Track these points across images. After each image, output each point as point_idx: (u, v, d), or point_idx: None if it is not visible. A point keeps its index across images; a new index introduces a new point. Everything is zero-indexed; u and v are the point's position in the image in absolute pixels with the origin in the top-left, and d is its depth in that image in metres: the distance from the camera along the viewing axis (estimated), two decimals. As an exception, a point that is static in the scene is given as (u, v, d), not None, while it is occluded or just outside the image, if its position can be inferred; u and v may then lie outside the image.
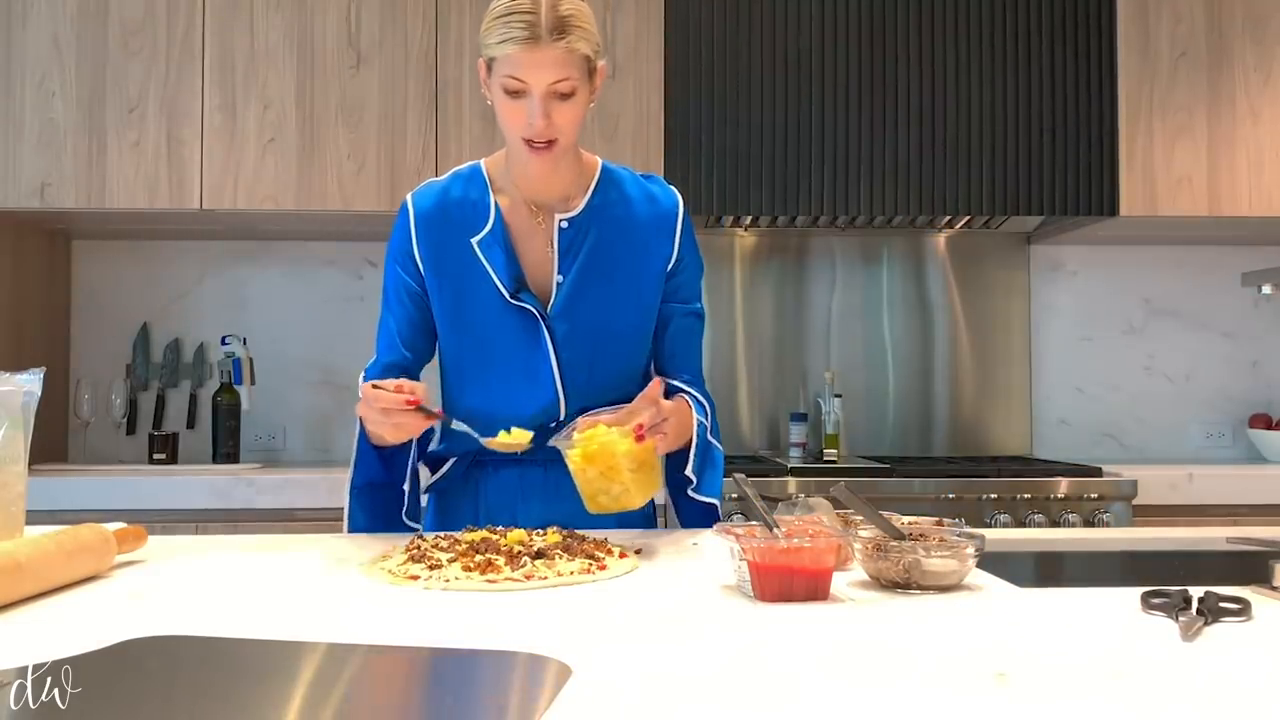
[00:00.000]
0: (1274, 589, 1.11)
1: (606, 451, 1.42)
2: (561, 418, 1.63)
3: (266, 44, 2.91)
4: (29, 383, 1.29)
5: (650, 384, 1.51)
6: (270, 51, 2.91)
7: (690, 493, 1.63)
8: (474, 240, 1.62)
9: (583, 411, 1.62)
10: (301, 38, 2.92)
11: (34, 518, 1.33)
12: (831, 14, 2.95)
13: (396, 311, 1.68)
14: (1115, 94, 2.97)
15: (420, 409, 1.43)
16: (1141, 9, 3.00)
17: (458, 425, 1.48)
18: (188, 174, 2.89)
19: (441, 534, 1.44)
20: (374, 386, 1.45)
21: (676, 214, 1.68)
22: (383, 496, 1.64)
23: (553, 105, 1.50)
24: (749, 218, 3.05)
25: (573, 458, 1.44)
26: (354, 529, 1.64)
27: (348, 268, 3.32)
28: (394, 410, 1.42)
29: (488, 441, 1.48)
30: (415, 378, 1.67)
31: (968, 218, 3.09)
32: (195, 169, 2.89)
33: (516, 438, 1.47)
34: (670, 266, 1.68)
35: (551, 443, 1.50)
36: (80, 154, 2.87)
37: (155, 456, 3.06)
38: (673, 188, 1.72)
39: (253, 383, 3.17)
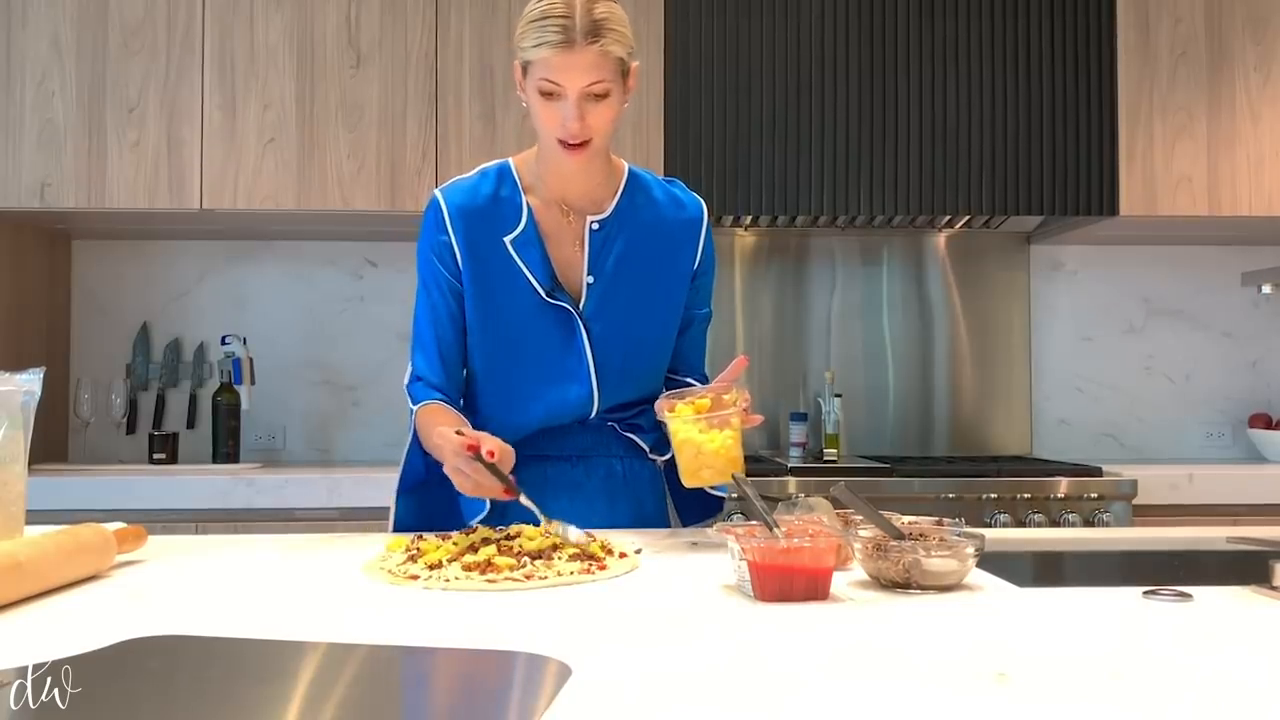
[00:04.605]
0: (1274, 589, 1.11)
1: (719, 427, 1.45)
2: (593, 413, 1.67)
3: (266, 44, 2.91)
4: (29, 383, 1.29)
5: (734, 364, 1.54)
6: (270, 51, 2.91)
7: (706, 488, 1.67)
8: (507, 239, 1.63)
9: (611, 408, 1.67)
10: (301, 38, 2.92)
11: (34, 518, 1.33)
12: (831, 14, 2.95)
13: (440, 309, 1.67)
14: (1115, 94, 2.97)
15: (493, 468, 1.41)
16: (1141, 9, 3.00)
17: (525, 501, 1.44)
18: (188, 174, 2.89)
19: (440, 533, 1.44)
20: (470, 451, 1.43)
21: (702, 220, 1.73)
22: (432, 495, 1.65)
23: (587, 107, 1.52)
24: (749, 218, 3.05)
25: (682, 432, 1.46)
26: (398, 529, 1.67)
27: (348, 268, 3.32)
28: (472, 475, 1.42)
29: (550, 525, 1.46)
30: (458, 359, 1.69)
31: (968, 218, 3.09)
32: (195, 169, 2.89)
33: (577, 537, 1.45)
34: (695, 270, 1.72)
35: (659, 418, 1.52)
36: (80, 154, 2.87)
37: (155, 456, 3.06)
38: (695, 194, 1.75)
39: (253, 383, 3.17)
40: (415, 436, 1.66)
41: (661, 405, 1.50)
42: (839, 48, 2.95)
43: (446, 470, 1.45)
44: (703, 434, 1.46)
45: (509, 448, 1.45)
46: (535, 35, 1.50)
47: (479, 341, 1.68)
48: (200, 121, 2.90)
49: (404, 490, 1.69)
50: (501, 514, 1.60)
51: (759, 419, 1.51)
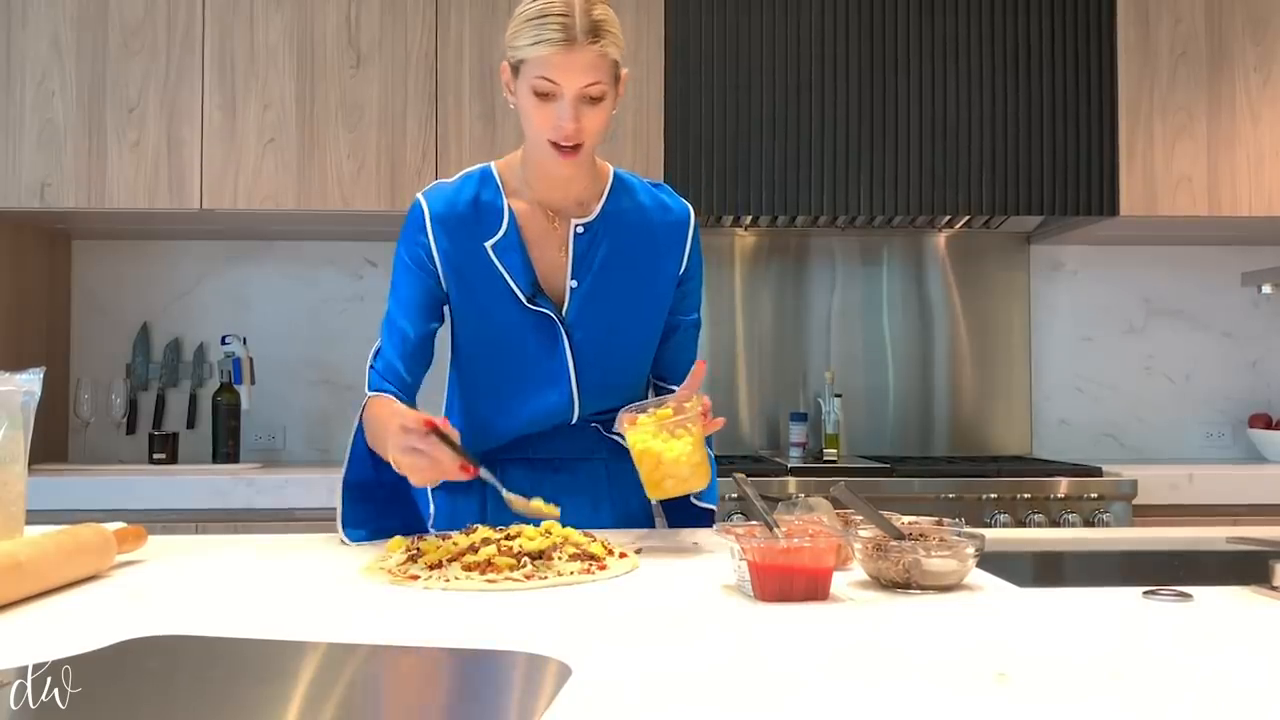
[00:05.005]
0: (1274, 589, 1.11)
1: (675, 437, 1.42)
2: (574, 419, 1.65)
3: (266, 44, 2.91)
4: (29, 383, 1.29)
5: (694, 371, 1.50)
6: (270, 51, 2.91)
7: (693, 499, 1.66)
8: (488, 244, 1.61)
9: (596, 413, 1.66)
10: (301, 38, 2.92)
11: (34, 518, 1.33)
12: (831, 14, 2.95)
13: (405, 292, 1.62)
14: (1115, 94, 2.97)
15: (445, 440, 1.33)
16: (1141, 9, 3.00)
17: (485, 476, 1.38)
18: (188, 174, 2.89)
19: (440, 533, 1.44)
20: (410, 429, 1.34)
21: (688, 224, 1.70)
22: (381, 493, 1.59)
23: (582, 109, 1.51)
24: (749, 218, 3.05)
25: (639, 443, 1.43)
26: (347, 524, 1.55)
27: (348, 268, 3.32)
28: (428, 452, 1.34)
29: (512, 500, 1.41)
30: (422, 358, 1.63)
31: (968, 218, 3.09)
32: (195, 169, 2.89)
33: (545, 510, 1.40)
34: (680, 275, 1.70)
35: (615, 429, 1.50)
36: (80, 154, 2.87)
37: (155, 456, 3.06)
38: (683, 199, 1.73)
39: (253, 383, 3.17)
40: (360, 428, 1.58)
41: (622, 418, 1.47)
42: (839, 46, 2.95)
43: (396, 452, 1.34)
44: (663, 443, 1.42)
45: (454, 429, 1.38)
46: (533, 33, 1.48)
47: (463, 344, 1.66)
48: (200, 121, 2.90)
49: (352, 481, 1.58)
50: (450, 517, 1.61)
51: (720, 422, 1.49)
